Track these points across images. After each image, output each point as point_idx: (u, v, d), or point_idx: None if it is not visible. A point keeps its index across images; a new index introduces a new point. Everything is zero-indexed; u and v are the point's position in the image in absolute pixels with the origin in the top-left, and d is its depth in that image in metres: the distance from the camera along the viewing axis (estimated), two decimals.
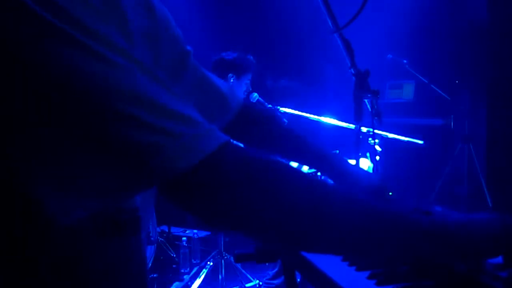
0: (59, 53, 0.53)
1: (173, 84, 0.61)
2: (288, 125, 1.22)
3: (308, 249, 0.82)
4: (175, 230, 4.46)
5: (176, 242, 4.16)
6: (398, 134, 2.83)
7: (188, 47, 0.97)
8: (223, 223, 0.64)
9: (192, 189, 0.58)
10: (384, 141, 2.40)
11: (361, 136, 1.59)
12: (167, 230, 4.17)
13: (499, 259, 0.82)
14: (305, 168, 2.91)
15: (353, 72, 1.46)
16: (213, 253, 3.59)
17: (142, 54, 0.69)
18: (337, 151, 3.01)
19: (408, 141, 2.88)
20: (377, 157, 1.99)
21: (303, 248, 0.77)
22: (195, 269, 3.58)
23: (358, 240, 0.64)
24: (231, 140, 0.61)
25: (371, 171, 1.89)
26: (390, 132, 2.77)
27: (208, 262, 3.58)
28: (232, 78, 3.22)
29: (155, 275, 3.52)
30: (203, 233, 3.75)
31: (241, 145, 0.92)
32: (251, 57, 3.31)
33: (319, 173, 1.18)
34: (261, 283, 3.46)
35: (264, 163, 0.61)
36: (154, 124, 0.55)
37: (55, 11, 0.53)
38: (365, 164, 1.99)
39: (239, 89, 3.27)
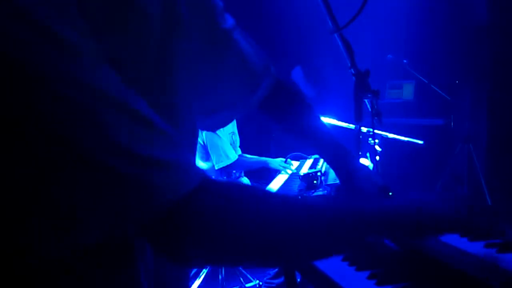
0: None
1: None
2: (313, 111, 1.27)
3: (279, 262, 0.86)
4: None
5: None
6: (398, 134, 2.83)
7: (227, 25, 0.94)
8: (193, 260, 0.67)
9: (169, 229, 0.59)
10: (384, 141, 2.40)
11: (361, 136, 1.59)
12: None
13: None
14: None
15: (353, 72, 1.46)
16: None
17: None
18: None
19: (408, 141, 2.89)
20: (377, 157, 1.98)
21: (276, 262, 0.80)
22: (195, 269, 3.58)
23: (318, 243, 0.70)
24: (205, 180, 0.62)
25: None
26: (390, 132, 2.77)
27: None
28: None
29: None
30: None
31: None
32: None
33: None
34: (261, 283, 3.46)
35: (231, 206, 0.63)
36: (133, 174, 0.55)
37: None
38: (365, 164, 1.99)
39: None
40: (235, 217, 0.63)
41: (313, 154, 3.60)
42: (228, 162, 3.34)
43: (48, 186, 0.52)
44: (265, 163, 3.58)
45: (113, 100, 0.54)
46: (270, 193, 0.72)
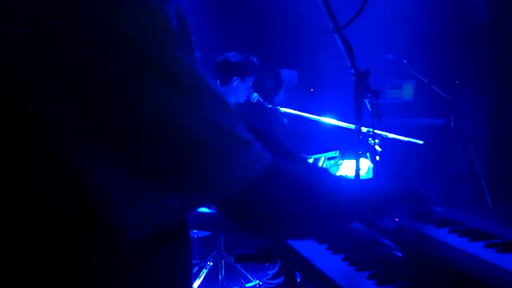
0: (154, 89, 0.59)
1: None
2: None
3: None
4: None
5: None
6: (398, 134, 2.83)
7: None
8: (266, 233, 0.80)
9: (246, 201, 0.69)
10: (384, 141, 2.40)
11: (361, 136, 1.59)
12: None
13: None
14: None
15: (353, 72, 1.46)
16: (213, 253, 3.59)
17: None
18: (337, 152, 3.02)
19: (408, 141, 2.88)
20: (377, 157, 1.99)
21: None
22: (195, 269, 3.58)
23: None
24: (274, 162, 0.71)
25: (371, 171, 1.89)
26: (390, 132, 2.77)
27: (208, 262, 3.57)
28: (236, 81, 3.25)
29: None
30: (203, 233, 3.74)
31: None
32: (255, 58, 3.33)
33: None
34: (261, 283, 3.46)
35: (298, 182, 0.76)
36: (223, 148, 0.64)
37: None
38: (365, 164, 2.00)
39: (242, 91, 3.30)
40: (304, 197, 0.75)
41: (313, 154, 3.61)
42: None
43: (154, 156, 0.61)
44: None
45: (216, 94, 0.66)
46: (333, 178, 0.90)
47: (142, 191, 0.61)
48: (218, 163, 0.63)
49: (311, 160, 3.53)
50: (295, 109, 3.23)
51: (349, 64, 1.45)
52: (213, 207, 3.39)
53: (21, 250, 0.62)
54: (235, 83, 3.26)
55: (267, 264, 3.58)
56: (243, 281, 3.59)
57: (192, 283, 0.82)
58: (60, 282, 0.63)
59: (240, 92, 3.31)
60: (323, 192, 0.79)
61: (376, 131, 1.90)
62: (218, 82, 3.35)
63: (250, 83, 3.33)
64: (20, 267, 0.62)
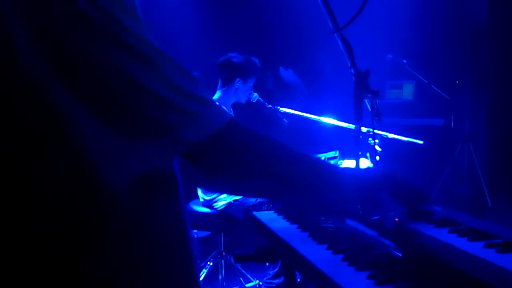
0: (108, 53, 0.71)
1: None
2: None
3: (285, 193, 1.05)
4: None
5: None
6: (398, 134, 2.83)
7: None
8: (229, 175, 0.88)
9: (211, 151, 0.81)
10: (384, 141, 2.40)
11: (361, 136, 1.59)
12: None
13: None
14: None
15: (353, 72, 1.46)
16: (213, 253, 3.59)
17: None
18: (337, 152, 3.02)
19: (408, 141, 2.88)
20: (377, 157, 1.98)
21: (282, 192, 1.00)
22: None
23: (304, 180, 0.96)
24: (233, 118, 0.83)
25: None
26: (390, 132, 2.77)
27: (208, 262, 3.58)
28: (239, 82, 3.27)
29: None
30: (203, 233, 3.75)
31: None
32: (256, 59, 3.35)
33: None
34: (261, 283, 3.46)
35: (257, 136, 0.88)
36: (184, 105, 0.76)
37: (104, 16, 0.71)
38: (365, 164, 1.99)
39: (244, 92, 3.33)
40: (259, 146, 0.88)
41: (313, 154, 3.60)
42: None
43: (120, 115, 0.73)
44: None
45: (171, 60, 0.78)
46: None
47: (120, 145, 0.73)
48: (183, 120, 0.76)
49: None
50: (295, 109, 3.23)
51: (349, 64, 1.45)
52: (212, 209, 3.40)
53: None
54: (237, 84, 3.28)
55: (267, 264, 3.58)
56: (243, 281, 3.59)
57: (191, 234, 0.91)
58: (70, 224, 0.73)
59: (241, 92, 3.33)
60: (279, 149, 0.91)
61: (376, 131, 1.90)
62: (220, 82, 3.36)
63: (252, 84, 3.36)
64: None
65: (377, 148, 2.01)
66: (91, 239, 0.74)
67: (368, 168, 1.27)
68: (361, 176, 1.11)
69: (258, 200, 2.93)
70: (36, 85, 0.69)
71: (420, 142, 2.94)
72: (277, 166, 0.90)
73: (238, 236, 3.59)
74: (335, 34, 1.44)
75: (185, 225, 0.87)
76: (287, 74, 4.72)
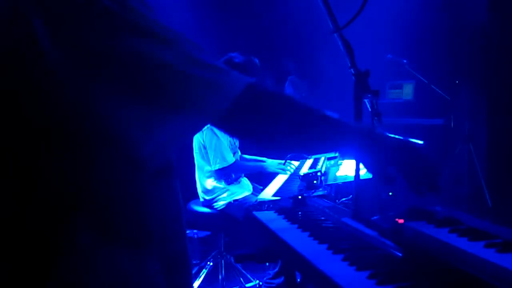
0: (130, 41, 0.75)
1: None
2: None
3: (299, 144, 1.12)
4: None
5: None
6: (398, 134, 2.83)
7: None
8: (254, 131, 0.95)
9: (236, 116, 0.86)
10: None
11: None
12: None
13: None
14: None
15: (353, 72, 1.46)
16: (213, 253, 3.59)
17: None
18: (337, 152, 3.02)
19: None
20: None
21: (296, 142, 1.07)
22: (195, 269, 3.58)
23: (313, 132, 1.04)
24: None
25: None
26: (390, 132, 2.76)
27: (208, 262, 3.58)
28: None
29: None
30: (203, 233, 3.75)
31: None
32: (257, 60, 3.37)
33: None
34: (261, 283, 3.46)
35: (276, 96, 0.96)
36: (204, 76, 0.81)
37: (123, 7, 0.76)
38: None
39: None
40: (278, 102, 0.95)
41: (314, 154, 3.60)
42: (225, 165, 3.34)
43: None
44: (262, 168, 3.58)
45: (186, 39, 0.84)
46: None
47: (151, 120, 0.78)
48: (207, 89, 0.82)
49: (310, 161, 3.54)
50: None
51: (349, 64, 1.45)
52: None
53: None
54: None
55: (267, 264, 3.58)
56: (243, 281, 3.59)
57: (184, 218, 0.98)
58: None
59: None
60: (294, 103, 0.98)
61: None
62: None
63: None
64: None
65: None
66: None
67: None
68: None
69: (258, 200, 2.93)
70: (62, 80, 0.74)
71: (420, 142, 2.94)
72: (297, 117, 0.98)
73: (238, 236, 3.59)
74: (335, 34, 1.44)
75: (180, 207, 0.96)
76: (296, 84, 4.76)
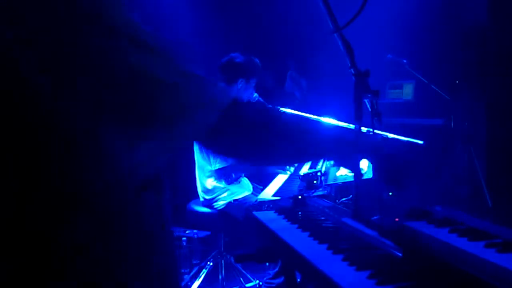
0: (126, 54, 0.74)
1: None
2: None
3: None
4: (175, 231, 4.46)
5: (176, 243, 4.16)
6: (398, 134, 2.83)
7: None
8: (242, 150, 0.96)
9: (224, 130, 0.87)
10: None
11: None
12: None
13: None
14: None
15: (353, 72, 1.46)
16: (213, 253, 3.59)
17: None
18: None
19: (408, 141, 2.88)
20: None
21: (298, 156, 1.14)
22: (195, 269, 3.58)
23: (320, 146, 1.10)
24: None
25: (371, 171, 1.89)
26: (390, 132, 2.77)
27: (208, 262, 3.58)
28: (241, 83, 3.30)
29: None
30: (203, 233, 3.75)
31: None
32: (257, 60, 3.39)
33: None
34: (261, 283, 3.46)
35: (263, 108, 0.99)
36: (195, 88, 0.81)
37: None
38: (365, 164, 1.99)
39: (247, 92, 3.37)
40: (267, 116, 0.97)
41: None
42: (224, 164, 3.34)
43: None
44: (262, 168, 3.58)
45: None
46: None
47: (137, 133, 0.77)
48: (193, 100, 0.81)
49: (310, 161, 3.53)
50: (295, 109, 3.24)
51: (349, 64, 1.45)
52: (211, 209, 3.40)
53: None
54: (240, 84, 3.31)
55: (267, 264, 3.58)
56: (243, 281, 3.59)
57: (171, 232, 0.97)
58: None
59: (244, 92, 3.35)
60: (280, 118, 1.01)
61: (376, 131, 1.90)
62: (223, 82, 3.37)
63: (254, 84, 3.39)
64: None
65: None
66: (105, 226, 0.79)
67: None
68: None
69: (258, 200, 2.93)
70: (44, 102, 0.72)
71: (420, 142, 2.94)
72: (285, 130, 1.00)
73: (238, 236, 3.59)
74: (335, 34, 1.44)
75: (165, 222, 0.94)
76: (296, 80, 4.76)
